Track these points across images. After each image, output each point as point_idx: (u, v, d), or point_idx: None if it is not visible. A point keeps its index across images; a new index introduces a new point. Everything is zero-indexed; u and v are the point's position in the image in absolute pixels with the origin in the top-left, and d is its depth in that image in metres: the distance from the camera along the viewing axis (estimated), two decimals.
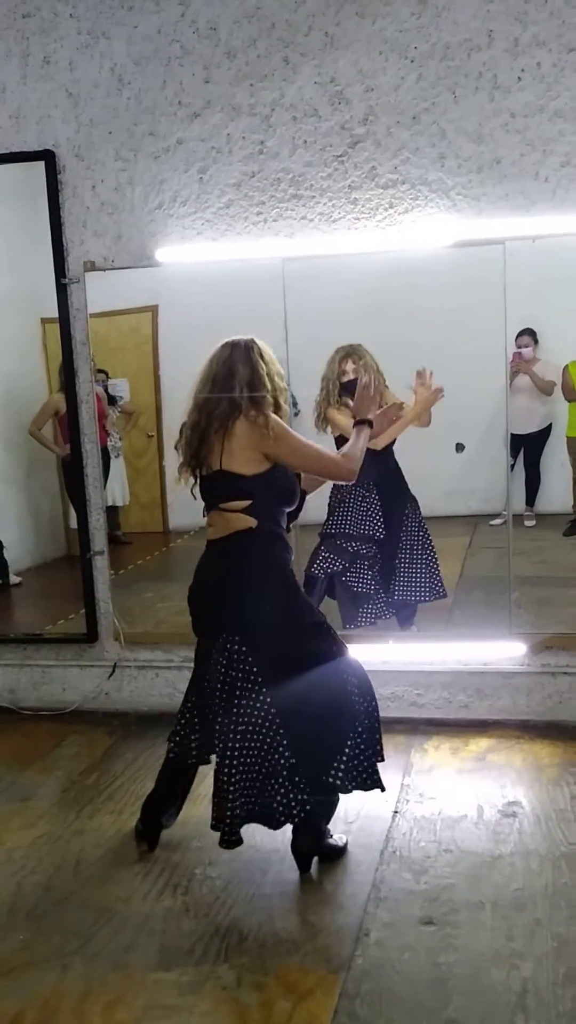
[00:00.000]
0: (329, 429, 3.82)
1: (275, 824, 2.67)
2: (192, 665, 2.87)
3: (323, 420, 3.81)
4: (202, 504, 2.77)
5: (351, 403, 3.01)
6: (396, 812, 3.09)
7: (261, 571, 2.68)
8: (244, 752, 2.62)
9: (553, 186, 3.45)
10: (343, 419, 3.66)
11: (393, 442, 3.75)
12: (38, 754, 3.72)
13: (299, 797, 2.63)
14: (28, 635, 4.23)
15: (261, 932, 2.49)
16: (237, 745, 2.62)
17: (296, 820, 2.66)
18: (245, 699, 2.64)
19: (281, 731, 2.64)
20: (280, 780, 2.63)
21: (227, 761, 2.61)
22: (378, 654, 3.78)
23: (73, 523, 4.19)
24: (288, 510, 2.78)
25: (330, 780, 2.70)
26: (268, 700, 2.64)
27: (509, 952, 2.35)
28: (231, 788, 2.60)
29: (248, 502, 2.66)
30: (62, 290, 3.86)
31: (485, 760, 3.45)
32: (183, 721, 2.87)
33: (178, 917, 2.58)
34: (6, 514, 4.57)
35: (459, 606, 4.04)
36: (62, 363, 3.96)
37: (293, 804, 2.63)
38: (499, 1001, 2.18)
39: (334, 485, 3.76)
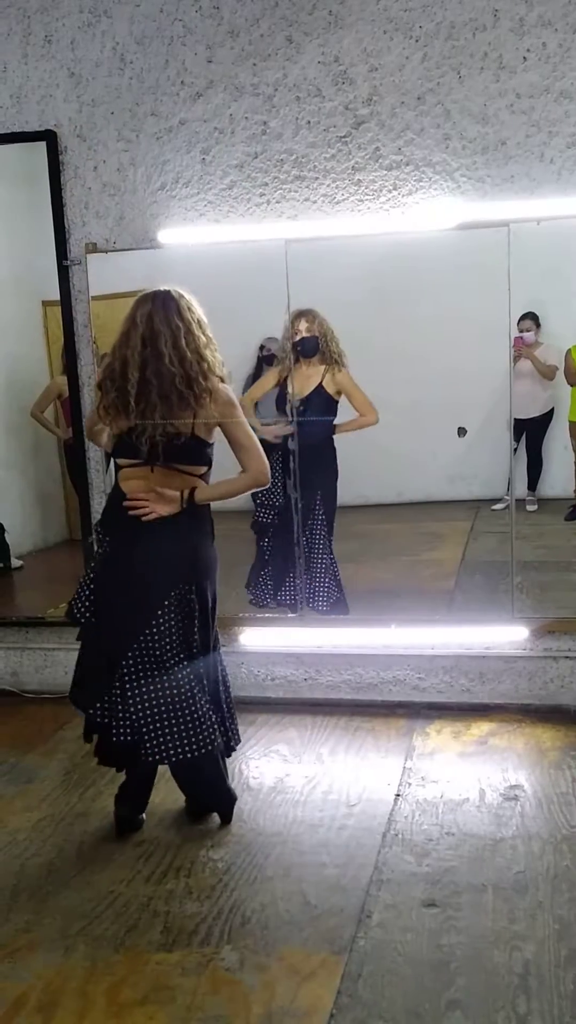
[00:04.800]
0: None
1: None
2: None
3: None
4: None
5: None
6: (398, 795, 3.10)
7: (210, 523, 2.88)
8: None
9: (559, 167, 3.42)
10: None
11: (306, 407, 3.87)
12: (40, 737, 3.72)
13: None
14: (30, 618, 4.23)
15: (264, 914, 2.50)
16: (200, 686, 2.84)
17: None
18: (199, 648, 2.83)
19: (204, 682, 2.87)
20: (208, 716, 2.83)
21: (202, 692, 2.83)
22: (380, 638, 3.79)
23: (75, 506, 4.19)
24: None
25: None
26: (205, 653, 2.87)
27: (511, 934, 2.36)
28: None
29: (207, 467, 2.84)
30: (63, 272, 3.84)
31: (487, 744, 3.46)
32: (105, 710, 2.87)
33: (181, 899, 2.59)
34: (8, 497, 4.56)
35: (461, 590, 4.04)
36: (64, 346, 3.94)
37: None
38: (501, 983, 2.19)
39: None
